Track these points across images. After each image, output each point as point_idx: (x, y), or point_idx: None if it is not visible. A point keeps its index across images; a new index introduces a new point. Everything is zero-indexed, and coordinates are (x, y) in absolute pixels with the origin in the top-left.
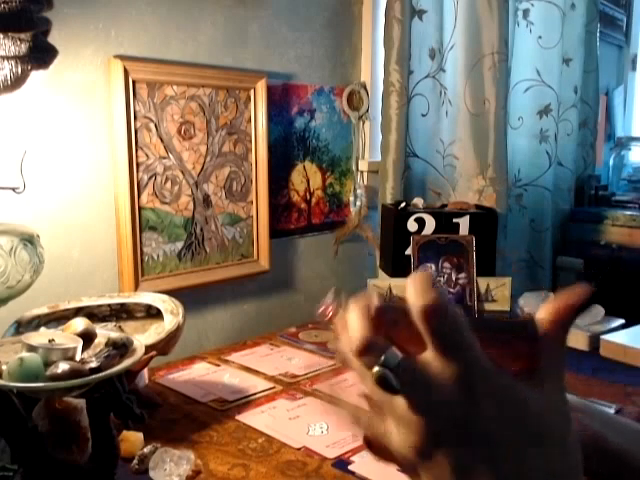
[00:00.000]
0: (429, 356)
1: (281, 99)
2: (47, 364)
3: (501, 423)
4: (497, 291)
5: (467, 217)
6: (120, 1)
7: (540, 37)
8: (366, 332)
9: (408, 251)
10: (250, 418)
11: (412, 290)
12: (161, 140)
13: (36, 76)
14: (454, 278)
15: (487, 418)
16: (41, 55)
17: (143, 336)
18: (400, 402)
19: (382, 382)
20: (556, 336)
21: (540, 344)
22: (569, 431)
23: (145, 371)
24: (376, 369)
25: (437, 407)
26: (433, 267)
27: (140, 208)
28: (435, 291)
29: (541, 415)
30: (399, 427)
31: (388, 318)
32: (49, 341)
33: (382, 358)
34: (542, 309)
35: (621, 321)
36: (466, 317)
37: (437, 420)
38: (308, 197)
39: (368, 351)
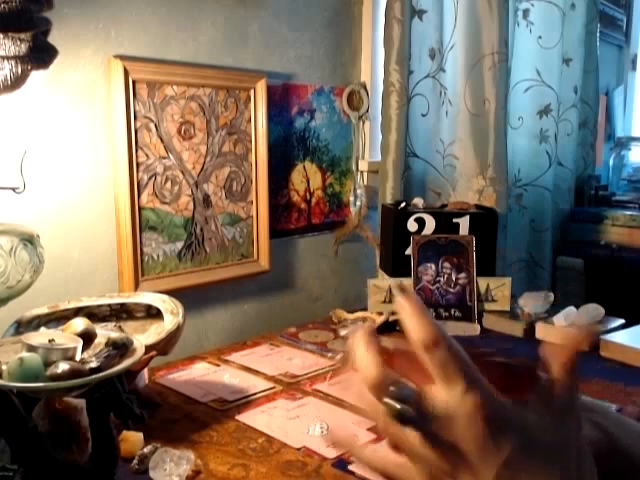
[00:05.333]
0: (438, 388)
1: (281, 99)
2: (47, 364)
3: (520, 452)
4: (497, 291)
5: (467, 217)
6: (120, 1)
7: (540, 37)
8: (377, 367)
9: (408, 251)
10: (250, 418)
11: (410, 324)
12: (161, 140)
13: (36, 76)
14: (454, 278)
15: (503, 448)
16: (41, 55)
17: (143, 336)
18: (413, 435)
19: (397, 416)
20: (567, 380)
21: (549, 383)
22: (585, 457)
23: (145, 371)
24: (390, 403)
25: (450, 439)
26: (433, 267)
27: (140, 208)
28: (432, 324)
29: (556, 441)
30: (414, 460)
31: (395, 351)
32: (49, 341)
33: (395, 392)
34: (546, 353)
35: (621, 321)
36: (466, 347)
37: (451, 452)
38: (308, 197)
39: (381, 386)
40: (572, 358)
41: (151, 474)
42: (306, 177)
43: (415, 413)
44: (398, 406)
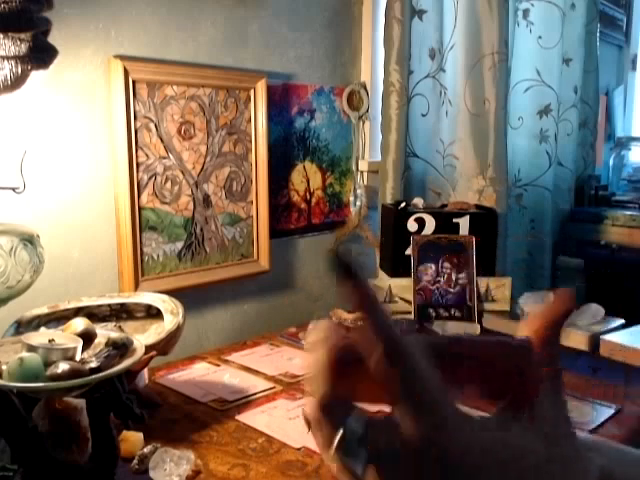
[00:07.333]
0: (396, 417)
1: (281, 99)
2: (47, 364)
3: None
4: (497, 291)
5: (467, 217)
6: (120, 1)
7: (540, 37)
8: (328, 386)
9: (408, 251)
10: (250, 418)
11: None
12: (161, 140)
13: (36, 76)
14: (454, 278)
15: None
16: (41, 55)
17: (143, 336)
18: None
19: (346, 453)
20: (549, 359)
21: (531, 370)
22: (577, 464)
23: (145, 371)
24: (338, 438)
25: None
26: (433, 267)
27: (140, 208)
28: (387, 336)
29: (539, 465)
30: None
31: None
32: (49, 341)
33: (345, 424)
34: (527, 327)
35: (621, 321)
36: (441, 339)
37: None
38: (308, 197)
39: (330, 412)
40: (554, 329)
41: (151, 474)
42: (306, 177)
43: (365, 450)
44: (343, 441)
